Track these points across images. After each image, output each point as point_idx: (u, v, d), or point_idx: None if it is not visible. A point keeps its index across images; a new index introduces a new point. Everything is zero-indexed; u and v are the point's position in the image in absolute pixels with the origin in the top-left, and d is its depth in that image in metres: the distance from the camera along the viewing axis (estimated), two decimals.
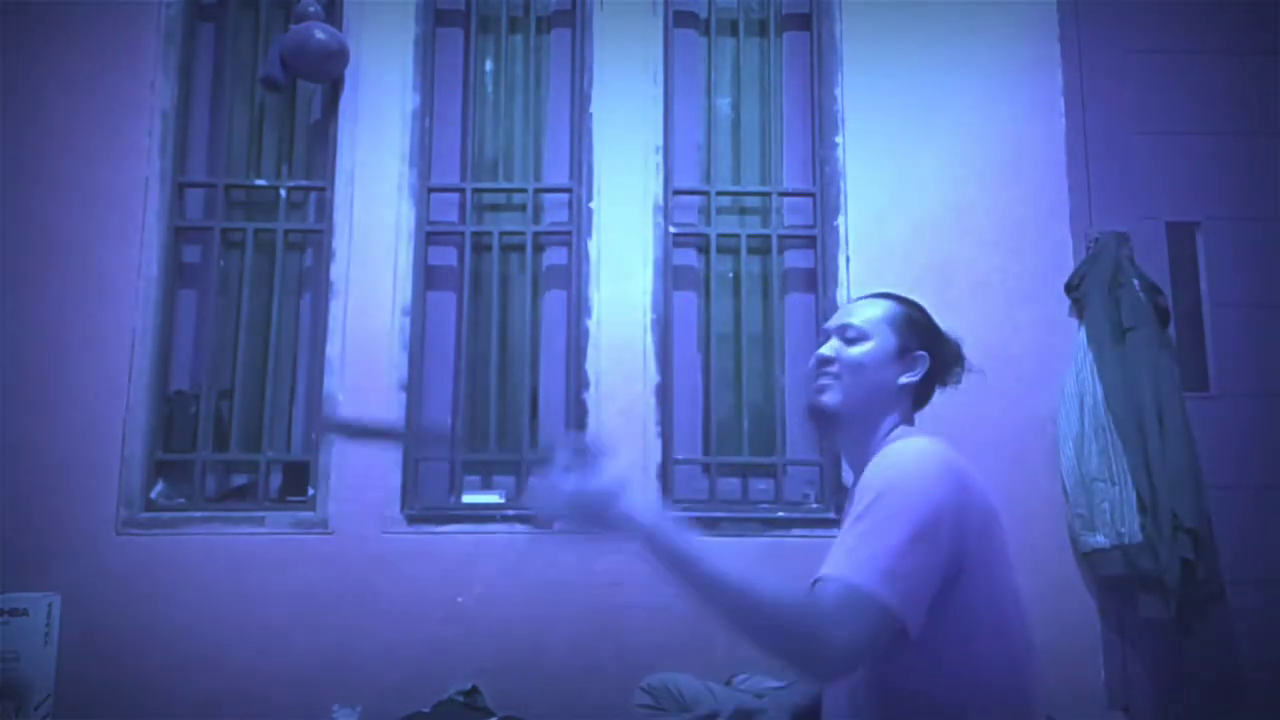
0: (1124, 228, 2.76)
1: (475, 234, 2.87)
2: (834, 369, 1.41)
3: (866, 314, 1.44)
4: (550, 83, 3.01)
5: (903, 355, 1.41)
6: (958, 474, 1.22)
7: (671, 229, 2.85)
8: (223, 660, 2.54)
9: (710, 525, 2.63)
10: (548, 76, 3.01)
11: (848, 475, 1.60)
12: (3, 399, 2.63)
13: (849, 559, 1.13)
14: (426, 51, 2.89)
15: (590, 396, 2.72)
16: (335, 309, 2.73)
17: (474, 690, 2.48)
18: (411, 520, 2.65)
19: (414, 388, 2.73)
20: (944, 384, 1.47)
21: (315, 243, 2.86)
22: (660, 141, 2.84)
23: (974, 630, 1.19)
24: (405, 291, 2.75)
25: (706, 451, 2.81)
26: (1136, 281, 2.67)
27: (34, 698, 2.40)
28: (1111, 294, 2.67)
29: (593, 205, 2.82)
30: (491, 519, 2.66)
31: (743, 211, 2.98)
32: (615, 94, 2.86)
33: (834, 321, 1.47)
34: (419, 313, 2.78)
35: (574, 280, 2.83)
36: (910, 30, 2.89)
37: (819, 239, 2.86)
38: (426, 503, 2.72)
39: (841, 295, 2.74)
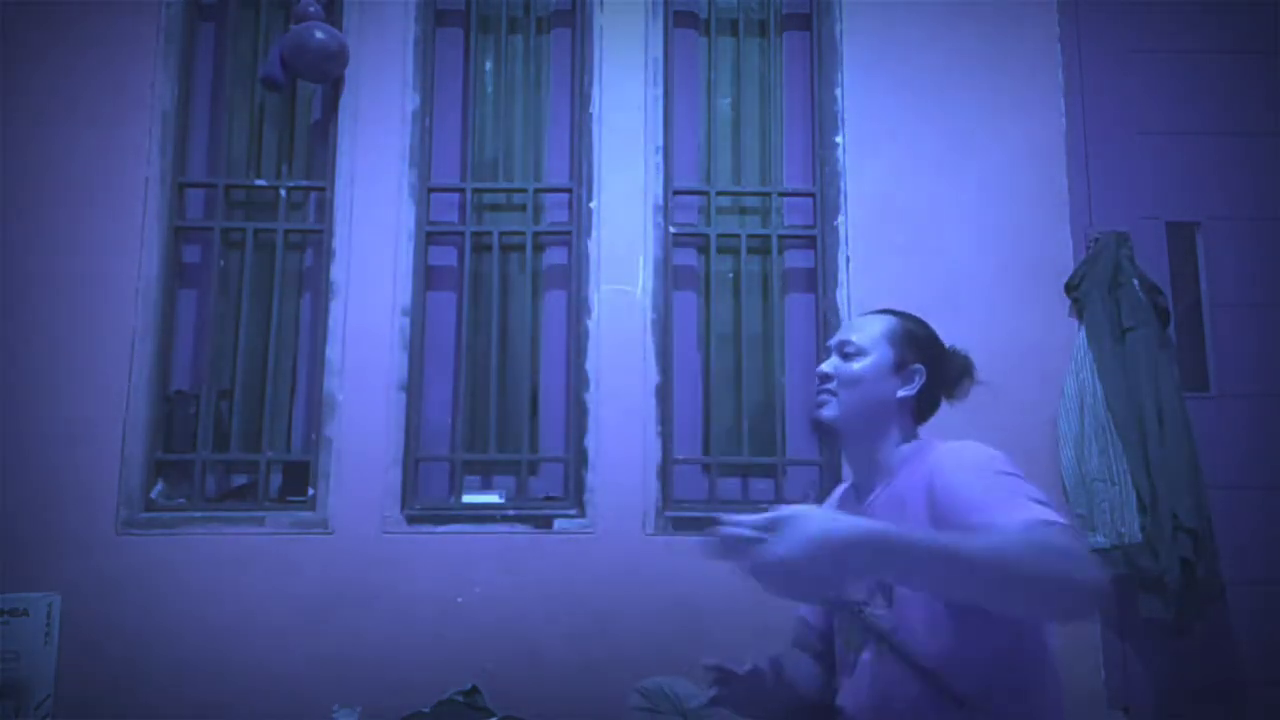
0: (1124, 228, 2.76)
1: (475, 234, 2.87)
2: (832, 385, 1.46)
3: (865, 330, 1.48)
4: (550, 83, 3.01)
5: (900, 369, 1.45)
6: None
7: (671, 229, 2.85)
8: (223, 660, 2.53)
9: (710, 525, 2.62)
10: (548, 76, 3.01)
11: (847, 476, 1.60)
12: (3, 399, 2.62)
13: (1035, 508, 1.13)
14: (426, 51, 2.89)
15: (590, 396, 2.72)
16: (335, 309, 2.72)
17: (474, 690, 2.48)
18: (411, 520, 2.65)
19: (414, 388, 2.73)
20: (950, 397, 1.49)
21: (315, 243, 2.86)
22: (660, 141, 2.84)
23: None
24: (405, 292, 2.75)
25: (706, 451, 2.81)
26: (1136, 281, 2.67)
27: (34, 698, 2.40)
28: (1111, 294, 2.67)
29: (593, 205, 2.82)
30: (491, 519, 2.66)
31: (743, 211, 2.97)
32: (615, 94, 2.86)
33: (835, 338, 1.52)
34: (419, 313, 2.78)
35: (574, 280, 2.83)
36: (910, 30, 2.89)
37: (819, 239, 2.86)
38: (426, 503, 2.72)
39: (841, 295, 2.75)
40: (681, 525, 2.65)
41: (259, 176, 2.89)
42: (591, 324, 2.76)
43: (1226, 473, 2.66)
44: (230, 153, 2.89)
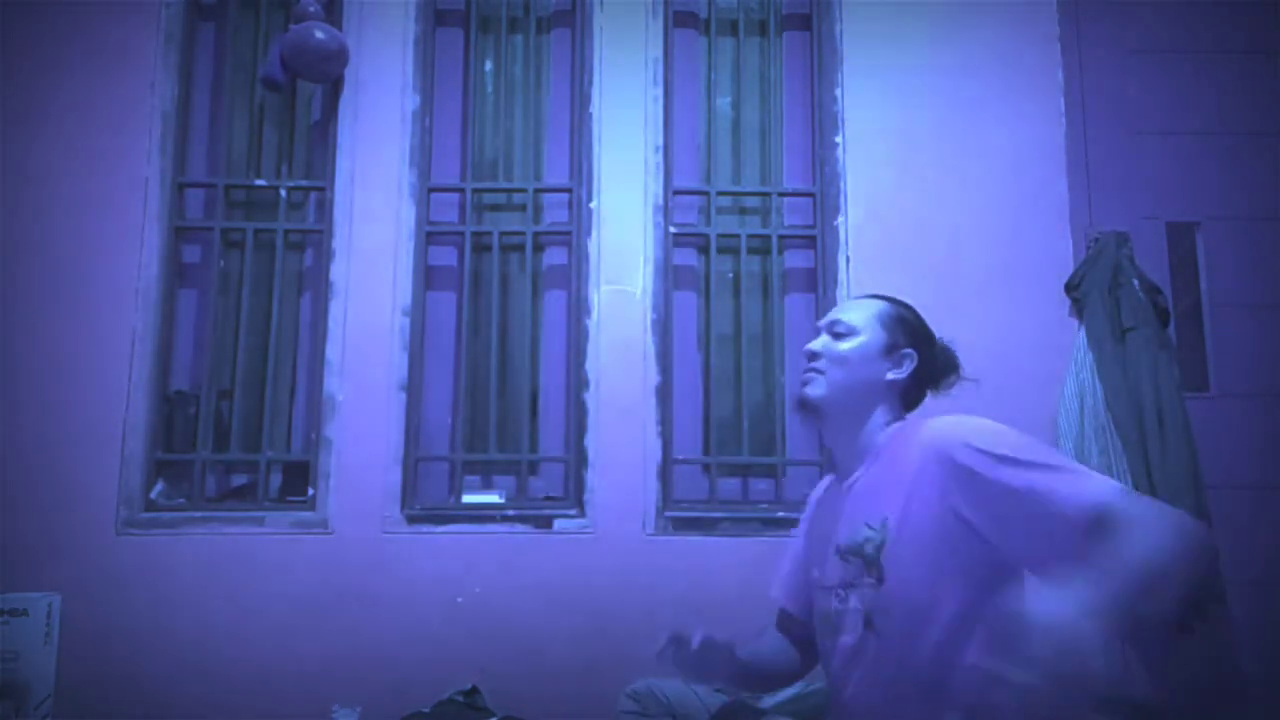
0: (1124, 228, 2.76)
1: (475, 234, 2.87)
2: (820, 363, 1.44)
3: (857, 311, 1.47)
4: (550, 83, 3.01)
5: (890, 352, 1.43)
6: None
7: (671, 229, 2.85)
8: (223, 660, 2.53)
9: (710, 525, 2.63)
10: (548, 76, 3.01)
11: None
12: (3, 399, 2.63)
13: (1101, 479, 1.17)
14: (426, 51, 2.89)
15: (590, 396, 2.72)
16: (335, 309, 2.72)
17: (474, 690, 2.48)
18: (411, 520, 2.65)
19: (414, 388, 2.73)
20: (936, 389, 1.48)
21: (315, 243, 2.86)
22: (660, 141, 2.84)
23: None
24: (405, 291, 2.75)
25: (706, 451, 2.81)
26: (1136, 281, 2.67)
27: (34, 698, 2.40)
28: (1111, 294, 2.67)
29: (593, 205, 2.82)
30: (491, 519, 2.66)
31: (743, 211, 2.97)
32: (615, 94, 2.86)
33: (825, 318, 1.50)
34: (419, 313, 2.78)
35: (574, 280, 2.83)
36: (910, 30, 2.89)
37: (819, 239, 2.86)
38: (426, 503, 2.72)
39: (841, 295, 2.74)
40: (681, 525, 2.65)
41: (259, 176, 2.89)
42: (591, 324, 2.76)
43: (1226, 473, 2.65)
44: (230, 153, 2.89)
